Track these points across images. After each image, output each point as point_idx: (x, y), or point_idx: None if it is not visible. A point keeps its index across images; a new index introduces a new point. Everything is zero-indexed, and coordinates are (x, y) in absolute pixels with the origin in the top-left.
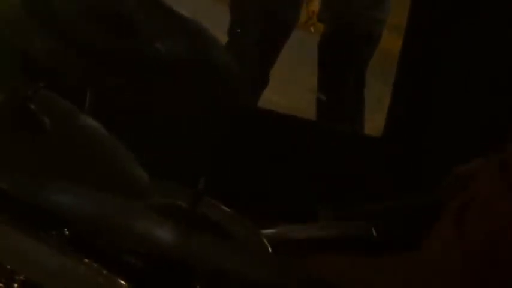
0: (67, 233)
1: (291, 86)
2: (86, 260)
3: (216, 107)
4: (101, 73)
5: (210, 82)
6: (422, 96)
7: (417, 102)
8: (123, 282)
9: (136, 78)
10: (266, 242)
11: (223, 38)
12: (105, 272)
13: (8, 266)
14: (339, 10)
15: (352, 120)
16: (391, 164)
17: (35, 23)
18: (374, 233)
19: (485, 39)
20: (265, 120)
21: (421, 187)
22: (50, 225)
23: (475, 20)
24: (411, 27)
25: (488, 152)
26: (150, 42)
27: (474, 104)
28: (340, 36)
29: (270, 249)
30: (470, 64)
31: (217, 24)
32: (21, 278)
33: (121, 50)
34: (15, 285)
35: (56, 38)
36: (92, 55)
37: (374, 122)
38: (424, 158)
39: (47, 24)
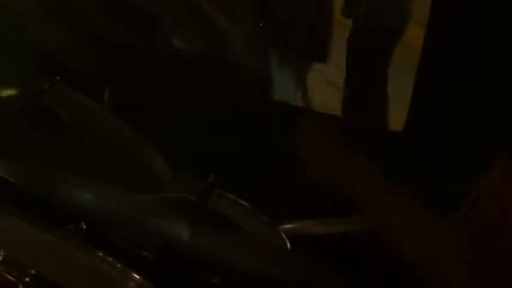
0: (84, 227)
1: (310, 79)
2: (100, 254)
3: (234, 102)
4: (117, 68)
5: (227, 78)
6: (443, 91)
7: (438, 98)
8: (136, 276)
9: (153, 73)
10: (285, 237)
11: None
12: (119, 265)
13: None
14: (368, 4)
15: (376, 116)
16: (412, 160)
17: (52, 17)
18: None
19: (509, 32)
20: (283, 114)
21: (443, 183)
22: (68, 219)
23: (502, 11)
24: (433, 20)
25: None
26: (168, 39)
27: (496, 98)
28: (371, 31)
29: (288, 244)
30: (493, 58)
31: None
32: (33, 272)
33: (138, 46)
34: (27, 279)
35: (72, 32)
36: (109, 50)
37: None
38: (446, 153)
39: (63, 18)
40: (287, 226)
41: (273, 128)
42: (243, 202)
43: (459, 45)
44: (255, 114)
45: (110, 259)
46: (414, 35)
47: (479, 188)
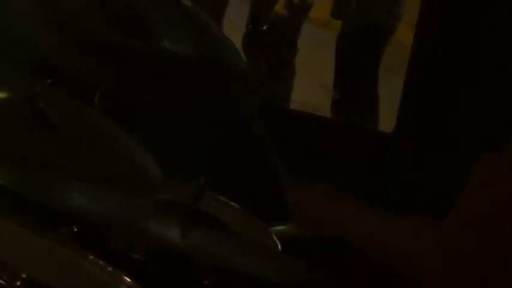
0: (75, 229)
1: (301, 82)
2: (91, 257)
3: (224, 104)
4: (108, 71)
5: (218, 80)
6: (433, 91)
7: (428, 98)
8: (128, 279)
9: (144, 75)
10: (276, 239)
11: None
12: (110, 268)
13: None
14: (358, 6)
15: (366, 116)
16: (403, 160)
17: (44, 19)
18: None
19: (498, 32)
20: (275, 116)
21: (433, 182)
22: (59, 221)
23: (488, 14)
24: (423, 20)
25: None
26: (160, 40)
27: (486, 97)
28: (360, 32)
29: (279, 246)
30: (482, 57)
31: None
32: (24, 276)
33: (130, 47)
34: (18, 283)
35: (64, 35)
36: (101, 53)
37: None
38: (435, 153)
39: (55, 20)
40: (278, 228)
41: (263, 128)
42: (233, 204)
43: (449, 45)
44: (246, 115)
45: (101, 262)
46: (404, 34)
47: (470, 180)
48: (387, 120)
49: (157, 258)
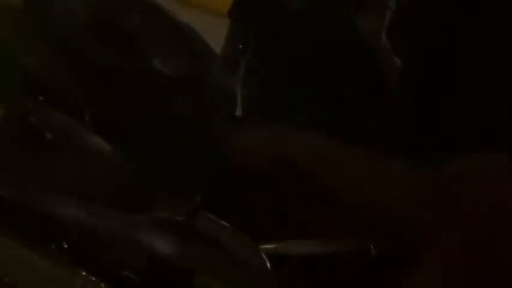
0: (66, 246)
1: None
2: (84, 273)
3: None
4: (97, 90)
5: (208, 100)
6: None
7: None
8: None
9: (134, 95)
10: (265, 258)
11: None
12: (103, 285)
13: (6, 279)
14: None
15: None
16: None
17: (34, 37)
18: (373, 249)
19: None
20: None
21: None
22: (49, 238)
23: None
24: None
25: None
26: (149, 60)
27: (478, 103)
28: None
29: (268, 265)
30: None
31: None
32: None
33: (119, 67)
34: None
35: (55, 53)
36: (91, 72)
37: None
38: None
39: (45, 38)
40: (268, 246)
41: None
42: (223, 222)
43: (441, 45)
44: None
45: (94, 278)
46: None
47: None
48: None
49: (150, 276)
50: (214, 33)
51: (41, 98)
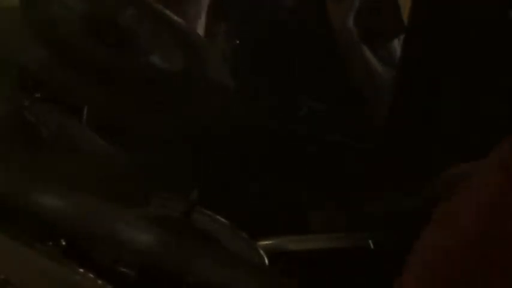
0: (63, 243)
1: None
2: (81, 270)
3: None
4: (95, 87)
5: (205, 97)
6: (420, 102)
7: (415, 108)
8: None
9: (131, 92)
10: (263, 254)
11: None
12: (100, 281)
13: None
14: None
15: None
16: (389, 173)
17: (32, 34)
18: (371, 244)
19: (485, 42)
20: (257, 129)
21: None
22: (47, 235)
23: (476, 24)
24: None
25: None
26: (147, 56)
27: (474, 109)
28: None
29: (266, 261)
30: (469, 70)
31: None
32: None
33: (116, 64)
34: None
35: (52, 51)
36: (88, 69)
37: None
38: (422, 165)
39: (43, 36)
40: (266, 242)
41: (250, 143)
42: (221, 218)
43: (439, 46)
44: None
45: (91, 275)
46: None
47: None
48: None
49: (145, 272)
50: None
51: (38, 94)
